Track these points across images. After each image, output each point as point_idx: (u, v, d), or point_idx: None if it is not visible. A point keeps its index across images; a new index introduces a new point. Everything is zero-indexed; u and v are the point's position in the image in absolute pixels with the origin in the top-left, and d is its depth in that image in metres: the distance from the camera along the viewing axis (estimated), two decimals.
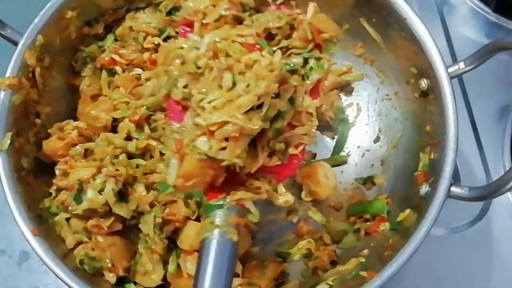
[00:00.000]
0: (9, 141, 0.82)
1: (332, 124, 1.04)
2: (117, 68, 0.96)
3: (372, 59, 1.02)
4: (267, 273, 0.90)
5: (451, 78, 0.85)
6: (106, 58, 0.96)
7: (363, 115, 1.05)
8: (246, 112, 0.68)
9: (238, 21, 0.77)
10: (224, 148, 0.69)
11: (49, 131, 0.89)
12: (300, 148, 0.78)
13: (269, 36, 0.79)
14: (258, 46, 0.73)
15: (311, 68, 0.79)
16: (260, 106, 0.70)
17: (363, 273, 0.81)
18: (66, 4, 0.89)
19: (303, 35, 0.79)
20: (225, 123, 0.68)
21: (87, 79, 0.98)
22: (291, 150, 0.77)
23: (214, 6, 0.77)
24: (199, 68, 0.72)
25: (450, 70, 0.85)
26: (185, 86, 0.74)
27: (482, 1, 1.20)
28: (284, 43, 0.79)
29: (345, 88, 1.07)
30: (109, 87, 0.97)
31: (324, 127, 1.05)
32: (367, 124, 1.05)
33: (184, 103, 0.74)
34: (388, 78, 1.00)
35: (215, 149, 0.68)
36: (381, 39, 0.97)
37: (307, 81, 0.79)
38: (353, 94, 1.07)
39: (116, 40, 0.99)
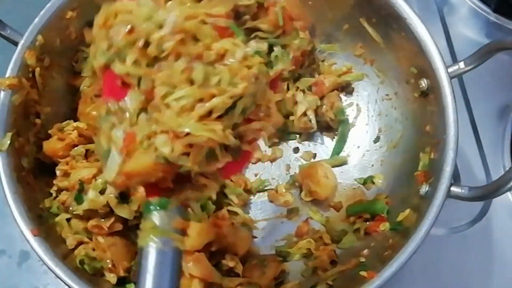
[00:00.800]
0: (9, 141, 0.82)
1: (332, 125, 1.04)
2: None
3: (372, 59, 1.02)
4: (267, 273, 0.90)
5: (451, 78, 0.85)
6: None
7: (363, 115, 1.05)
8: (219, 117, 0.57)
9: None
10: (186, 154, 0.57)
11: (49, 131, 0.89)
12: (253, 144, 0.66)
13: (235, 15, 0.66)
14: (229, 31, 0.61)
15: (276, 56, 0.68)
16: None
17: (363, 273, 0.81)
18: (66, 4, 0.89)
19: (273, 19, 0.67)
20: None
21: (87, 79, 0.98)
22: (244, 147, 0.64)
23: None
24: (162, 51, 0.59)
25: (450, 70, 0.85)
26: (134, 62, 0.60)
27: (482, 1, 1.20)
28: (250, 24, 0.67)
29: (346, 88, 1.07)
30: None
31: (324, 127, 1.05)
32: (367, 124, 1.05)
33: (126, 79, 0.61)
34: (388, 78, 1.00)
35: (177, 154, 0.57)
36: (381, 39, 0.97)
37: (270, 71, 0.67)
38: (353, 94, 1.07)
39: None
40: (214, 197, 0.67)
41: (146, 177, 0.59)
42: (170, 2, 0.61)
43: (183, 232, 0.62)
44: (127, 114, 0.60)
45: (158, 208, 0.61)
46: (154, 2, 0.61)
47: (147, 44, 0.59)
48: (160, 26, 0.59)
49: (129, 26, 0.59)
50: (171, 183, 0.61)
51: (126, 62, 0.59)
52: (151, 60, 0.59)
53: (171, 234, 0.61)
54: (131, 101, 0.60)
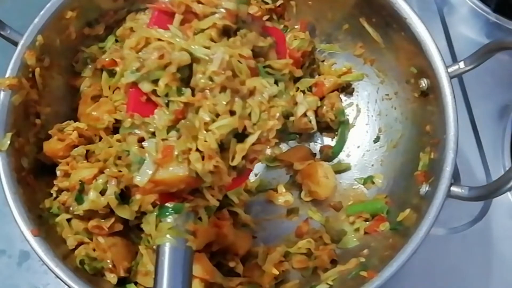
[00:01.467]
0: (9, 142, 0.82)
1: (332, 126, 1.04)
2: (118, 69, 0.96)
3: (372, 59, 1.02)
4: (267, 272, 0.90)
5: (451, 78, 0.85)
6: (107, 59, 0.95)
7: (363, 115, 1.05)
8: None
9: (225, 31, 0.73)
10: (211, 172, 0.66)
11: (49, 132, 0.89)
12: (255, 163, 0.76)
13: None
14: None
15: (280, 91, 0.75)
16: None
17: (363, 273, 0.81)
18: (66, 4, 0.89)
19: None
20: None
21: (87, 80, 0.98)
22: (247, 165, 0.74)
23: (200, 2, 0.71)
24: (211, 81, 0.68)
25: (450, 70, 0.85)
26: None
27: (482, 1, 1.20)
28: (263, 63, 0.75)
29: (346, 89, 1.07)
30: (109, 88, 0.97)
31: (324, 128, 1.05)
32: (367, 124, 1.05)
33: (154, 99, 0.69)
34: (388, 78, 1.00)
35: (206, 171, 0.66)
36: (381, 39, 0.97)
37: None
38: (353, 95, 1.07)
39: (117, 41, 0.99)
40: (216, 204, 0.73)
41: (171, 187, 0.67)
42: (197, 35, 0.69)
43: (194, 234, 0.69)
44: (151, 128, 0.67)
45: (173, 212, 0.69)
46: (183, 33, 0.69)
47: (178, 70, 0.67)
48: (194, 58, 0.67)
49: (160, 52, 0.67)
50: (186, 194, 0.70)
51: (159, 84, 0.67)
52: (181, 85, 0.68)
53: (185, 235, 0.68)
54: (159, 118, 0.68)
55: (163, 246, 0.67)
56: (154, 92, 0.68)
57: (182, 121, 0.68)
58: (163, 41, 0.68)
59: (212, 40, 0.69)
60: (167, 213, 0.69)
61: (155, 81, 0.68)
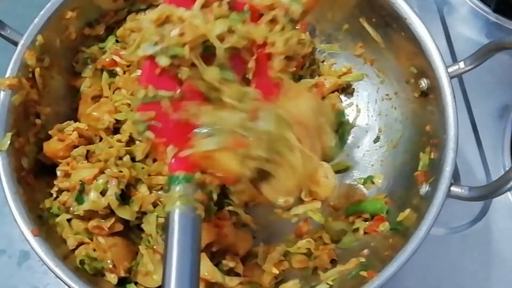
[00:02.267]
0: (9, 142, 0.82)
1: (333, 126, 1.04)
2: (118, 69, 0.96)
3: (372, 59, 1.02)
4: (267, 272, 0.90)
5: (451, 78, 0.85)
6: (107, 60, 0.96)
7: (363, 115, 1.05)
8: None
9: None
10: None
11: (49, 132, 0.89)
12: None
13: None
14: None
15: None
16: None
17: (363, 273, 0.81)
18: (66, 5, 0.89)
19: None
20: None
21: (87, 80, 0.98)
22: None
23: None
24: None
25: (450, 70, 0.85)
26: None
27: (482, 1, 1.21)
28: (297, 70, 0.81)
29: (346, 89, 1.07)
30: (109, 89, 0.97)
31: None
32: (367, 124, 1.05)
33: (167, 70, 0.71)
34: (388, 78, 1.00)
35: (245, 171, 0.70)
36: (381, 39, 0.97)
37: None
38: (353, 95, 1.07)
39: (117, 41, 0.99)
40: (215, 197, 0.78)
41: (213, 168, 0.71)
42: (218, 20, 0.71)
43: (203, 203, 0.72)
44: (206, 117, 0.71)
45: (183, 181, 0.71)
46: (204, 15, 0.70)
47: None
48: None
49: (181, 30, 0.69)
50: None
51: (224, 90, 0.71)
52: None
53: (194, 203, 0.70)
54: (229, 118, 0.71)
55: (173, 213, 0.68)
56: (171, 66, 0.70)
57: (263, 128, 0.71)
58: (185, 23, 0.69)
59: (230, 29, 0.71)
60: (177, 182, 0.70)
61: (173, 57, 0.70)
